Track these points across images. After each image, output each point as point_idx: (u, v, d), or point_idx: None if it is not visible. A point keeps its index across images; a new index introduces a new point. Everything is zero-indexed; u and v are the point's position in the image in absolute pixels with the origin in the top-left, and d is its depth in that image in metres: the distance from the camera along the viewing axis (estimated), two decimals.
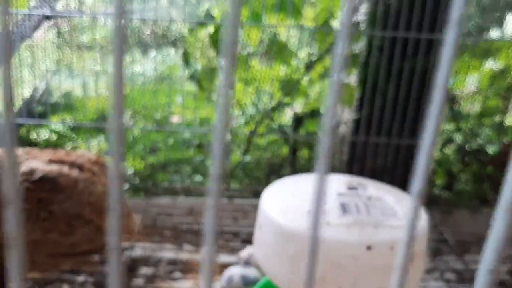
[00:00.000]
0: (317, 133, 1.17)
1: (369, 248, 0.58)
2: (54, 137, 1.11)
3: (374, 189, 0.67)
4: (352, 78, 1.18)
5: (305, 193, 0.65)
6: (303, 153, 1.18)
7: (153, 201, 1.15)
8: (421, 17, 1.08)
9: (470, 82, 1.24)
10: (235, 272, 0.82)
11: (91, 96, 1.13)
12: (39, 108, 1.07)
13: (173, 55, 1.14)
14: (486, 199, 1.17)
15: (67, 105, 1.09)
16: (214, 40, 1.07)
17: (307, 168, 1.21)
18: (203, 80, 1.08)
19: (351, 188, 0.66)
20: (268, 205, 0.65)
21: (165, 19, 1.04)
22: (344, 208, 0.62)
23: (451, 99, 1.17)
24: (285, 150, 1.16)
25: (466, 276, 1.01)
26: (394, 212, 0.63)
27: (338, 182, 0.68)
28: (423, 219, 0.65)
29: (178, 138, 1.13)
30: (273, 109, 1.12)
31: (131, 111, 1.13)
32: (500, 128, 1.27)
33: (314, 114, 1.13)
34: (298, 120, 1.11)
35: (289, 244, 0.60)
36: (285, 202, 0.64)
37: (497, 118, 1.26)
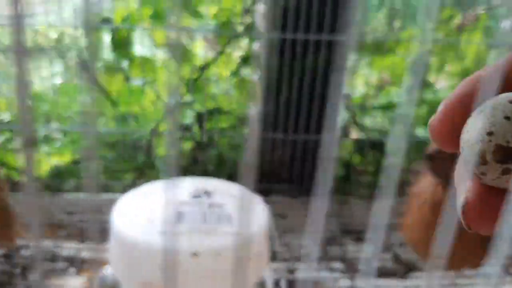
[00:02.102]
0: (218, 131, 1.21)
1: (195, 255, 0.63)
2: None
3: (220, 196, 0.72)
4: (256, 76, 1.21)
5: (150, 203, 0.69)
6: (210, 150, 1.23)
7: (59, 199, 1.19)
8: (321, 19, 1.11)
9: (372, 78, 1.29)
10: (108, 272, 0.87)
11: None
12: None
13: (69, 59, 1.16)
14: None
15: None
16: (115, 43, 1.10)
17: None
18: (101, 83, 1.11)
19: (196, 196, 0.71)
20: (116, 213, 0.69)
21: (59, 24, 1.06)
22: (180, 217, 0.67)
23: (347, 95, 1.21)
24: (188, 145, 1.21)
25: (356, 265, 1.08)
26: (230, 219, 0.68)
27: (185, 190, 0.72)
28: (261, 220, 0.70)
29: (84, 138, 1.17)
30: (174, 108, 1.15)
31: (38, 113, 1.16)
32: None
33: (215, 112, 1.17)
34: (200, 118, 1.15)
35: (124, 251, 0.65)
36: (130, 213, 0.69)
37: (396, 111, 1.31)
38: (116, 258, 0.68)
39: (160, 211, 0.66)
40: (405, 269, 1.08)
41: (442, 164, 0.71)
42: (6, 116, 1.24)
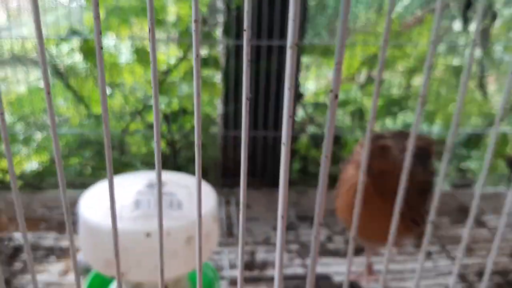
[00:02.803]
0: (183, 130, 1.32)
1: (148, 235, 0.74)
2: None
3: (172, 185, 0.83)
4: (217, 78, 1.33)
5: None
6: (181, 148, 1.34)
7: (40, 195, 1.30)
8: (271, 26, 1.23)
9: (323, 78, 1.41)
10: (81, 257, 0.98)
11: None
12: None
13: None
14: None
15: None
16: (84, 51, 1.20)
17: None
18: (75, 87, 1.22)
19: (150, 186, 0.82)
20: (82, 202, 0.80)
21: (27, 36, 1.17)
22: (137, 204, 0.78)
23: (300, 95, 1.33)
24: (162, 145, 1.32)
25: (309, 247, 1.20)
26: (180, 205, 0.79)
27: (141, 180, 0.83)
28: (209, 205, 0.81)
29: (61, 139, 1.27)
30: (143, 108, 1.26)
31: (16, 116, 1.26)
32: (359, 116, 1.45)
33: (180, 113, 1.28)
34: (166, 118, 1.26)
35: (90, 235, 0.76)
36: (94, 203, 0.80)
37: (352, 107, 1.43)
38: (84, 242, 0.79)
39: (120, 200, 0.77)
40: (357, 249, 1.20)
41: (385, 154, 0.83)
42: None
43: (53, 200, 1.29)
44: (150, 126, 1.26)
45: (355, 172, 0.84)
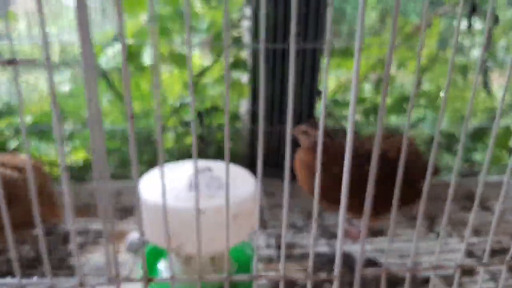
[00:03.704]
0: (216, 126, 1.45)
1: (202, 212, 0.86)
2: None
3: (217, 171, 0.96)
4: (244, 78, 1.46)
5: (170, 177, 0.93)
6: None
7: (88, 186, 1.44)
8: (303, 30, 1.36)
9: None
10: (135, 236, 1.11)
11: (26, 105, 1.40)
12: None
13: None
14: None
15: (7, 112, 1.35)
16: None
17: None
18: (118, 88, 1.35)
19: (200, 171, 0.95)
20: (142, 186, 0.93)
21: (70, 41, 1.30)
22: (191, 186, 0.91)
23: (319, 92, 1.46)
24: (189, 141, 1.45)
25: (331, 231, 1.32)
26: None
27: (191, 167, 0.96)
28: (249, 188, 0.94)
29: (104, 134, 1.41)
30: (180, 107, 1.40)
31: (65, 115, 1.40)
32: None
33: (212, 110, 1.41)
34: (200, 116, 1.39)
35: (151, 214, 0.89)
36: (152, 185, 0.93)
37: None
38: (145, 220, 0.92)
39: (175, 182, 0.91)
40: (373, 231, 1.32)
41: (310, 138, 1.13)
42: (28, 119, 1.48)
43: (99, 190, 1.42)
44: (185, 123, 1.39)
45: (303, 154, 1.17)
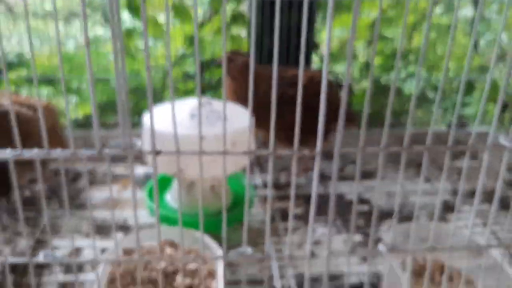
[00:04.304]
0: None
1: (202, 138, 0.94)
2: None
3: (217, 105, 1.03)
4: (243, 32, 1.53)
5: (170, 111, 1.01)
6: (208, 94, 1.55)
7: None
8: None
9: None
10: (142, 170, 1.20)
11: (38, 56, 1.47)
12: None
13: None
14: None
15: (19, 63, 1.43)
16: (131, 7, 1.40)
17: None
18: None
19: (202, 104, 1.03)
20: (146, 118, 1.01)
21: None
22: (192, 116, 0.99)
23: (315, 45, 1.53)
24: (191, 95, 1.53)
25: None
26: (226, 118, 1.00)
27: (194, 102, 1.04)
28: (245, 121, 1.02)
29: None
30: (180, 58, 1.47)
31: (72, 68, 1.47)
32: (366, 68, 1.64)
33: (213, 62, 1.48)
34: (202, 67, 1.46)
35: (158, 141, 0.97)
36: (159, 115, 1.01)
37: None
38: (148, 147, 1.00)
39: (178, 114, 0.99)
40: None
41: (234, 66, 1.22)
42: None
43: (106, 137, 1.50)
44: (187, 76, 1.46)
45: (230, 81, 1.27)
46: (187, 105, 1.03)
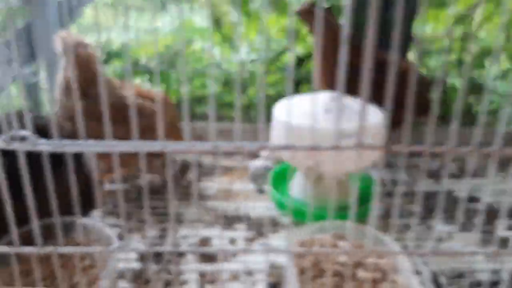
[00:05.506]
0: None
1: (342, 133, 0.95)
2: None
3: (349, 101, 1.03)
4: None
5: (301, 104, 1.02)
6: (304, 87, 1.55)
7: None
8: None
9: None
10: (259, 163, 1.22)
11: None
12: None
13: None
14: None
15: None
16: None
17: None
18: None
19: (334, 100, 1.03)
20: (277, 111, 1.02)
21: None
22: (327, 111, 0.99)
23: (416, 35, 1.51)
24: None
25: None
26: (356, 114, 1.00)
27: (326, 97, 1.04)
28: (378, 118, 1.02)
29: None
30: (280, 53, 1.47)
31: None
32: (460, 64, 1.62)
33: (309, 57, 1.48)
34: (300, 61, 1.46)
35: (290, 134, 0.98)
36: (287, 109, 1.02)
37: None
38: (280, 141, 1.01)
39: (311, 108, 0.99)
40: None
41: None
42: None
43: (203, 130, 1.51)
44: (283, 69, 1.47)
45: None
46: (319, 99, 1.03)
